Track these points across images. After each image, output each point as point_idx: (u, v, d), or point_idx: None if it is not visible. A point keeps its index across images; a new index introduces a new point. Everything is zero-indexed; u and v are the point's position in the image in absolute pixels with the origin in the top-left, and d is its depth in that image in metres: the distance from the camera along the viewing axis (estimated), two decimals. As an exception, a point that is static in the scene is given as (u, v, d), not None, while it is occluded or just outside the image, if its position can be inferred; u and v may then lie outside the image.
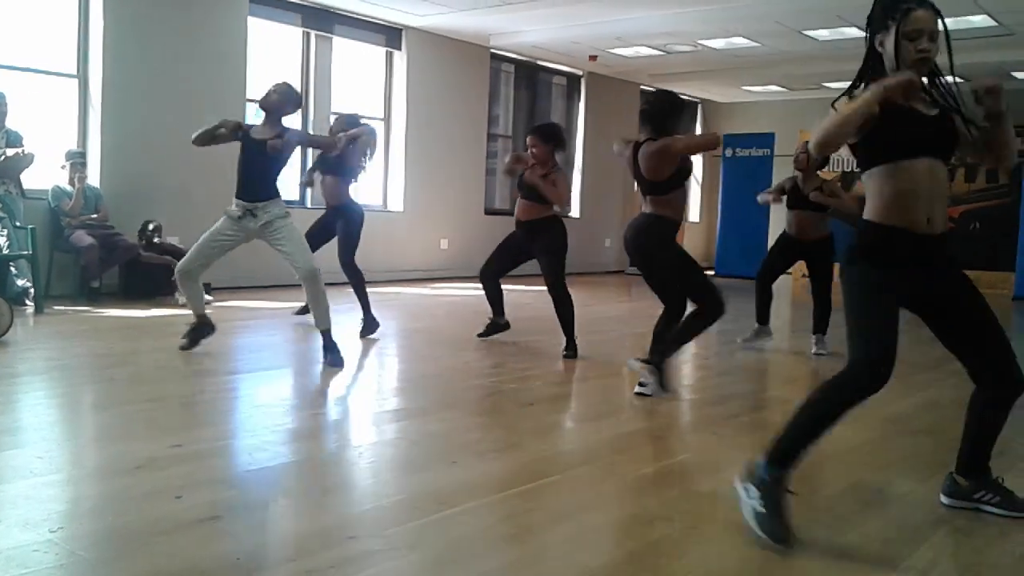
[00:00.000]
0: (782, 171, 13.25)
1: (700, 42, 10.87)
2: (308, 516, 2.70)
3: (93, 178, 7.86)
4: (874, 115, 2.45)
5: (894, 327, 2.53)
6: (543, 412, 4.37)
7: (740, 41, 10.67)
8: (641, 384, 4.48)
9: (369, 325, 6.13)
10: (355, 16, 10.01)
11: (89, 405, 4.15)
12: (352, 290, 6.21)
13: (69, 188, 7.57)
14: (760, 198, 6.94)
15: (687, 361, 6.39)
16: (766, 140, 13.35)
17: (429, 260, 11.02)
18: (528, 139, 5.83)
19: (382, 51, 10.61)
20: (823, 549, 2.55)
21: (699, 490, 3.12)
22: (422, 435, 3.72)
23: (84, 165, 7.66)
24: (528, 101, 12.68)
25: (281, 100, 4.99)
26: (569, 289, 5.75)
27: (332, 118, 8.00)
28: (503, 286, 6.09)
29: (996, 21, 8.92)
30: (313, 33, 9.76)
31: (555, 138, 5.78)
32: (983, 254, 11.84)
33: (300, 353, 5.71)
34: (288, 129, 5.07)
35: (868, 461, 3.57)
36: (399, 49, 10.66)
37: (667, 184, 4.52)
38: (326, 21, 9.80)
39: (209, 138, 4.95)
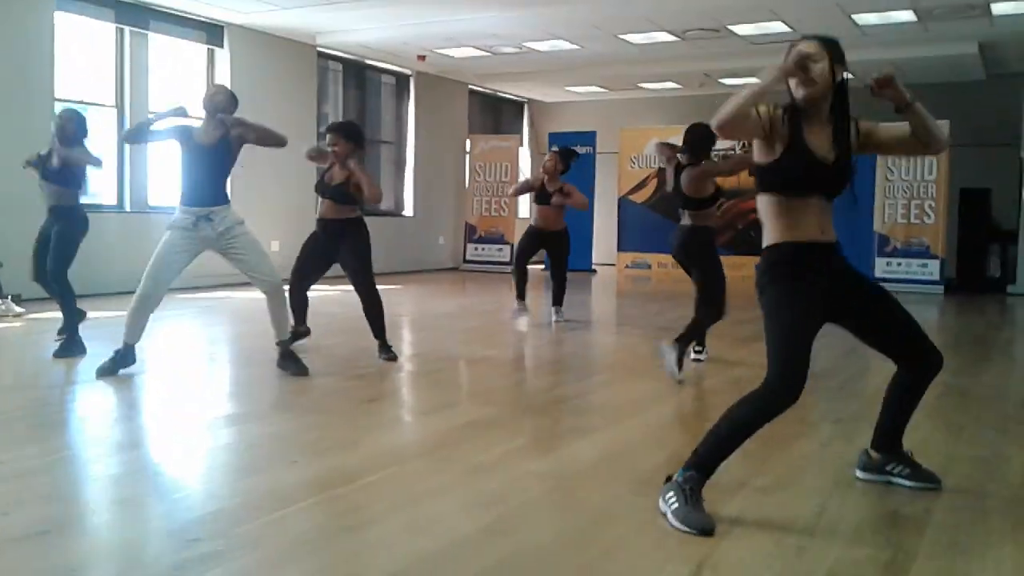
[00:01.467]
0: (604, 167, 13.90)
1: (525, 44, 11.20)
2: (148, 522, 2.69)
3: None
4: (776, 130, 2.66)
5: (807, 345, 2.72)
6: (381, 408, 4.46)
7: (562, 44, 11.08)
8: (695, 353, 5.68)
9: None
10: (172, 12, 9.66)
11: None
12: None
13: None
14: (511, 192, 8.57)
15: (525, 354, 6.65)
16: (588, 138, 13.89)
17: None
18: (329, 136, 5.52)
19: (203, 48, 10.30)
20: (649, 518, 2.79)
21: (535, 470, 3.30)
22: (260, 437, 3.73)
23: None
24: (357, 100, 12.63)
25: (226, 100, 4.78)
26: (402, 287, 5.83)
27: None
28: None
29: (791, 27, 9.70)
30: (128, 29, 9.34)
31: (358, 136, 5.55)
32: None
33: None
34: (231, 124, 4.77)
35: (688, 433, 3.87)
36: (221, 46, 10.37)
37: (706, 201, 5.38)
38: (141, 17, 9.41)
39: (147, 138, 4.77)
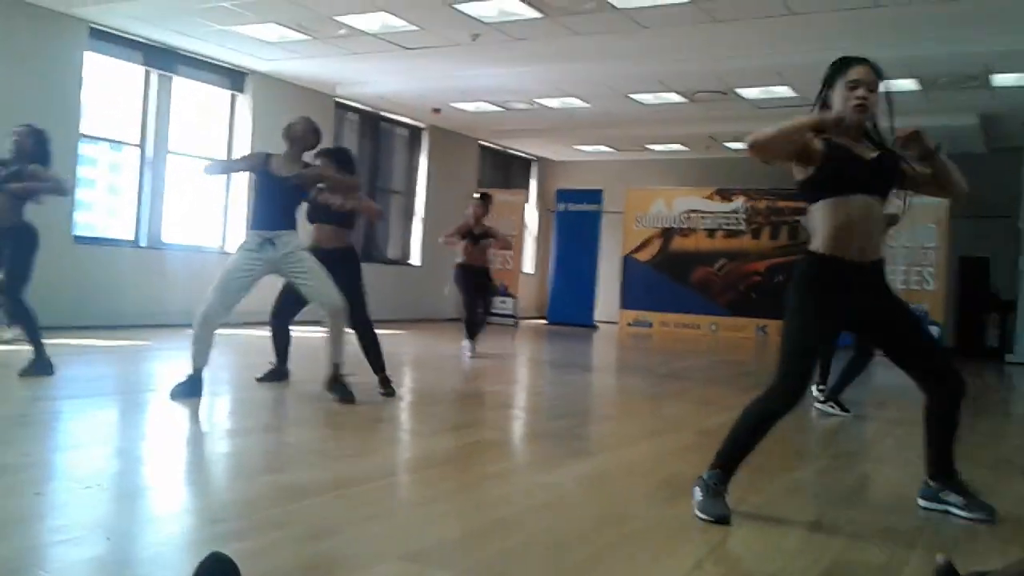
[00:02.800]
0: (610, 224, 14.17)
1: (537, 100, 11.55)
2: (175, 506, 2.81)
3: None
4: (814, 149, 2.88)
5: (812, 355, 2.94)
6: (388, 428, 4.59)
7: (573, 101, 11.42)
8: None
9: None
10: (199, 57, 10.02)
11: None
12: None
13: None
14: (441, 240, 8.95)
15: (526, 385, 6.78)
16: (595, 196, 14.20)
17: (257, 303, 10.95)
18: (321, 162, 5.30)
19: (226, 93, 10.63)
20: (654, 520, 2.92)
21: (540, 481, 3.42)
22: (278, 445, 3.87)
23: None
24: (372, 151, 12.95)
25: (304, 131, 4.92)
26: (405, 332, 5.93)
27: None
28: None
29: (796, 92, 10.03)
30: (155, 72, 9.68)
31: (350, 163, 5.49)
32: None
33: (133, 383, 5.65)
34: (312, 164, 5.00)
35: (688, 459, 3.99)
36: (243, 92, 10.71)
37: None
38: (168, 60, 9.75)
39: (230, 168, 4.91)
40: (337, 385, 4.92)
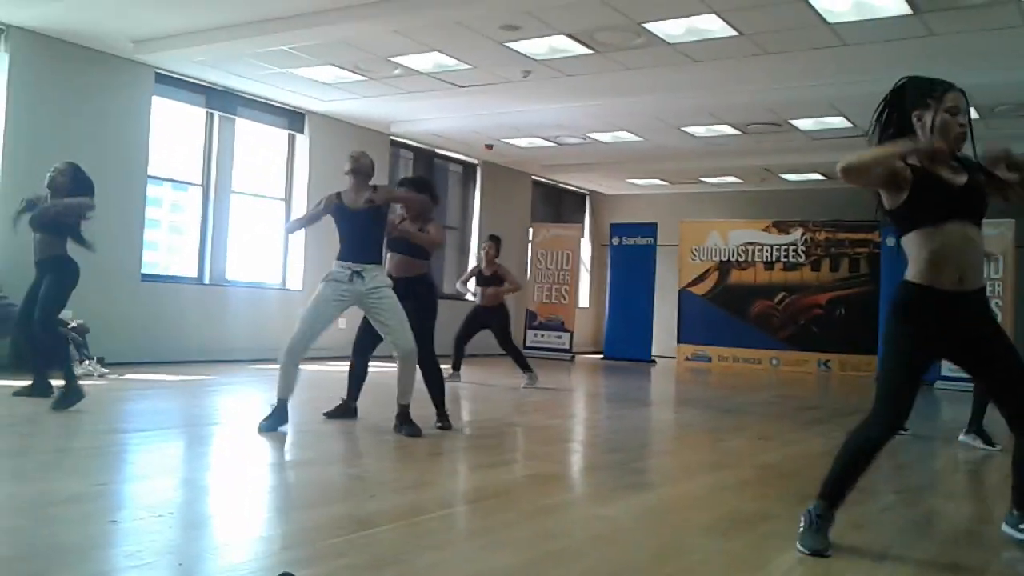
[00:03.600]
0: (665, 258, 14.12)
1: (589, 135, 11.63)
2: (241, 532, 2.88)
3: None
4: (903, 177, 2.86)
5: (914, 383, 2.94)
6: (446, 461, 4.62)
7: (625, 135, 11.48)
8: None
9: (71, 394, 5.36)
10: (259, 99, 10.32)
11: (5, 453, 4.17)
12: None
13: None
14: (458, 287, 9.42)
15: (583, 419, 6.77)
16: (650, 230, 14.17)
17: (328, 338, 11.12)
18: (402, 191, 5.62)
19: (284, 133, 10.93)
20: (714, 553, 2.90)
21: (599, 513, 3.42)
22: (340, 477, 3.92)
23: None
24: (426, 187, 13.13)
25: (371, 162, 5.22)
26: (469, 368, 5.97)
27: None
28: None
29: (851, 123, 9.96)
30: (217, 114, 10.00)
31: (428, 188, 5.66)
32: (848, 338, 12.80)
33: (197, 416, 5.79)
34: (379, 185, 5.26)
35: (748, 493, 3.95)
36: (301, 132, 10.99)
37: None
38: (230, 103, 10.07)
39: (311, 221, 5.23)
40: (403, 424, 5.02)
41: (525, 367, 8.56)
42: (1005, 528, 3.18)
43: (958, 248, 2.86)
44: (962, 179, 2.92)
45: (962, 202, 2.89)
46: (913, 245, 2.92)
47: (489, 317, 8.76)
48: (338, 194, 5.17)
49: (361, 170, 5.14)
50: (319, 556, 2.57)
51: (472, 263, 13.93)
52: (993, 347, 2.95)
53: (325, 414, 5.49)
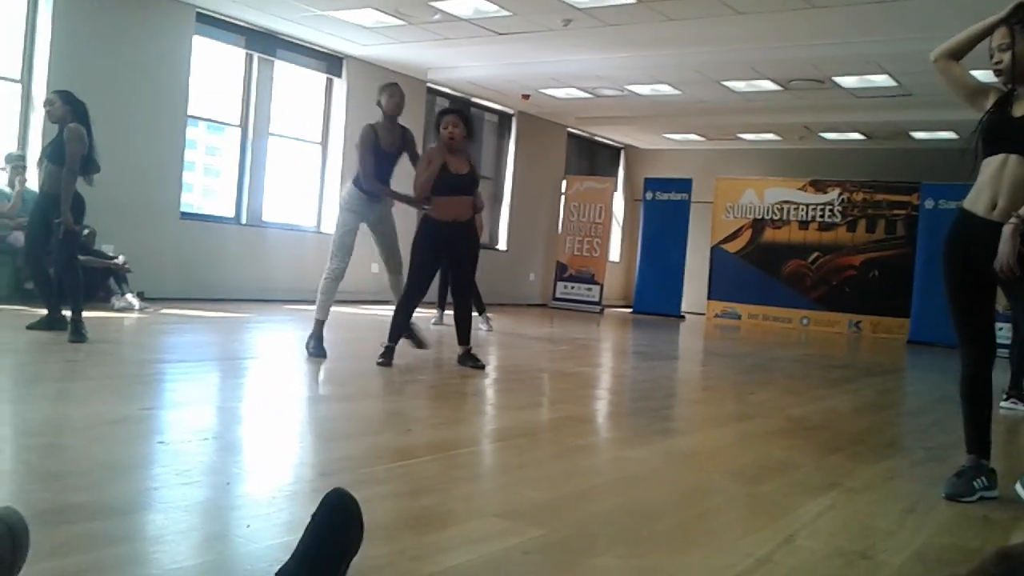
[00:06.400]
0: (698, 214, 14.03)
1: (627, 87, 11.52)
2: (286, 459, 2.97)
3: (32, 182, 7.91)
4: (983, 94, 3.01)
5: (969, 309, 3.04)
6: (480, 401, 4.71)
7: (664, 88, 11.36)
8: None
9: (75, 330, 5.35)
10: (298, 42, 10.32)
11: (55, 378, 4.31)
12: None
13: (7, 190, 7.63)
14: None
15: (611, 368, 6.84)
16: (684, 185, 14.08)
17: (359, 283, 11.23)
18: (446, 119, 5.41)
19: (322, 77, 10.93)
20: (742, 496, 2.95)
21: (629, 456, 3.49)
22: (376, 411, 4.02)
23: (24, 168, 7.72)
24: (461, 135, 13.11)
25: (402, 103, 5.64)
26: (491, 315, 5.99)
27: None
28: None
29: (896, 81, 9.78)
30: (256, 55, 10.02)
31: (465, 118, 5.46)
32: (881, 300, 12.71)
33: (236, 351, 5.92)
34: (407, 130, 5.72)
35: (776, 443, 4.00)
36: (339, 76, 10.99)
37: None
38: (269, 45, 10.08)
39: (372, 173, 5.46)
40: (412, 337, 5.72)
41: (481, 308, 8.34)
42: (1018, 487, 3.18)
43: (996, 177, 2.94)
44: (1022, 111, 2.94)
45: (1009, 134, 2.94)
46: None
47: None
48: (373, 130, 5.54)
49: (399, 110, 5.60)
50: (359, 482, 2.65)
51: (505, 213, 13.97)
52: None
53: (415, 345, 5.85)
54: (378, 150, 5.42)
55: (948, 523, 2.81)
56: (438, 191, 5.31)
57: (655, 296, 14.02)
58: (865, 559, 2.33)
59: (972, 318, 3.06)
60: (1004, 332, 7.02)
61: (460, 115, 5.46)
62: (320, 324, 5.51)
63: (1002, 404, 5.54)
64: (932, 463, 3.89)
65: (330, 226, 10.99)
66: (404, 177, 5.66)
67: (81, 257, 7.83)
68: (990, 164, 2.97)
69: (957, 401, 3.20)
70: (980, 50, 3.07)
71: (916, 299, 11.74)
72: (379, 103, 5.57)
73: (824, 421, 4.78)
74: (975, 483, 3.08)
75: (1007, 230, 2.85)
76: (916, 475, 3.62)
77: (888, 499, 3.09)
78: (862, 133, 13.12)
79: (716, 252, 14.10)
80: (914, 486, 3.35)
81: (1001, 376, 4.68)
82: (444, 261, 5.87)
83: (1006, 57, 2.94)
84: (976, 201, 3.00)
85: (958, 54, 3.07)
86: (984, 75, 3.11)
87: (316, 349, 5.46)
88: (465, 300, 5.62)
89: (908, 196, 12.54)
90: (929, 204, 11.73)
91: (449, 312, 6.48)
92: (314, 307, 5.55)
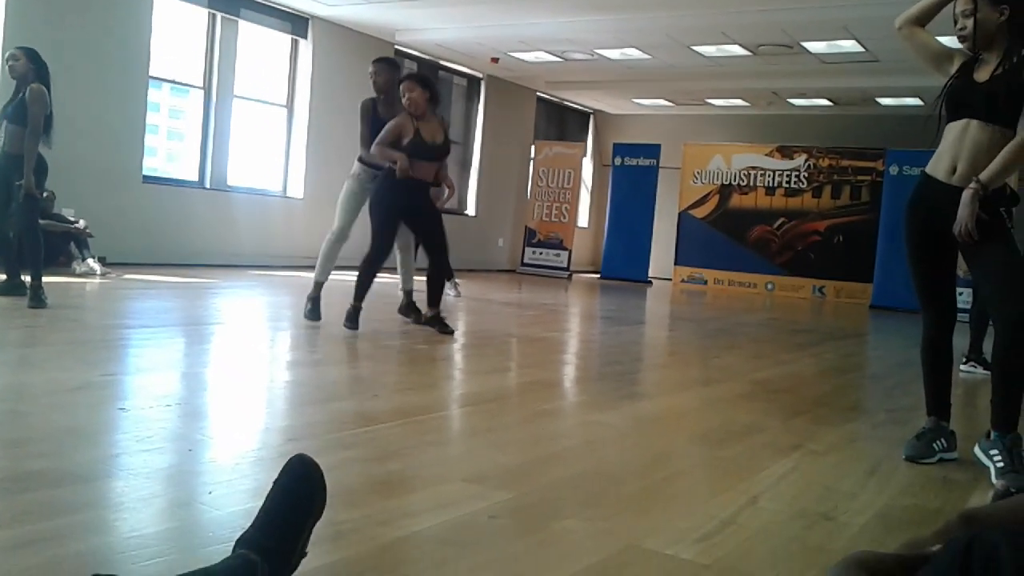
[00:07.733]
0: (666, 180, 14.05)
1: (596, 51, 11.44)
2: (251, 424, 2.95)
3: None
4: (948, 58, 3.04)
5: (928, 273, 3.08)
6: (447, 366, 4.71)
7: (633, 52, 11.29)
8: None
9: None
10: (262, 1, 10.10)
11: (15, 344, 4.22)
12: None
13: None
14: None
15: (578, 333, 6.86)
16: (653, 151, 14.06)
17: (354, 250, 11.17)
18: (404, 85, 5.22)
19: (287, 38, 10.73)
20: (707, 459, 2.98)
21: (596, 419, 3.50)
22: (342, 376, 4.00)
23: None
24: (429, 99, 12.97)
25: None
26: (460, 281, 5.94)
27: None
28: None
29: (863, 47, 9.81)
30: (219, 15, 9.80)
31: (433, 86, 5.35)
32: (845, 265, 12.85)
33: (200, 316, 5.85)
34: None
35: (741, 407, 4.04)
36: (305, 38, 10.79)
37: None
38: (233, 4, 9.86)
39: (378, 142, 5.23)
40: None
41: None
42: (976, 449, 3.17)
43: (958, 142, 2.96)
44: (984, 78, 2.95)
45: (977, 99, 2.93)
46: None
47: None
48: (373, 104, 5.50)
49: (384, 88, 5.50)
50: (325, 447, 2.64)
51: (474, 178, 13.88)
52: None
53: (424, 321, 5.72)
54: (376, 121, 5.33)
55: (909, 484, 2.86)
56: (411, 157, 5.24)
57: (623, 262, 14.05)
58: (828, 520, 2.36)
59: (933, 282, 3.10)
60: (965, 297, 7.13)
61: (416, 79, 5.31)
62: (318, 286, 5.43)
63: (961, 368, 5.64)
64: (894, 425, 3.95)
65: (296, 190, 10.89)
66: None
67: (41, 221, 7.73)
68: (952, 129, 2.99)
69: (918, 365, 3.24)
70: (946, 15, 3.07)
71: (879, 264, 11.87)
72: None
73: (788, 385, 4.83)
74: (935, 445, 3.13)
75: (967, 195, 2.87)
76: (878, 437, 3.68)
77: (851, 461, 3.14)
78: (829, 99, 13.17)
79: (683, 218, 14.14)
80: (876, 448, 3.40)
81: (961, 340, 4.75)
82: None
83: (969, 23, 2.94)
84: (937, 166, 3.02)
85: (922, 20, 3.08)
86: (950, 41, 3.10)
87: (311, 313, 5.37)
88: (442, 260, 5.47)
89: (873, 162, 12.64)
90: (894, 170, 11.82)
91: (459, 281, 6.76)
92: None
